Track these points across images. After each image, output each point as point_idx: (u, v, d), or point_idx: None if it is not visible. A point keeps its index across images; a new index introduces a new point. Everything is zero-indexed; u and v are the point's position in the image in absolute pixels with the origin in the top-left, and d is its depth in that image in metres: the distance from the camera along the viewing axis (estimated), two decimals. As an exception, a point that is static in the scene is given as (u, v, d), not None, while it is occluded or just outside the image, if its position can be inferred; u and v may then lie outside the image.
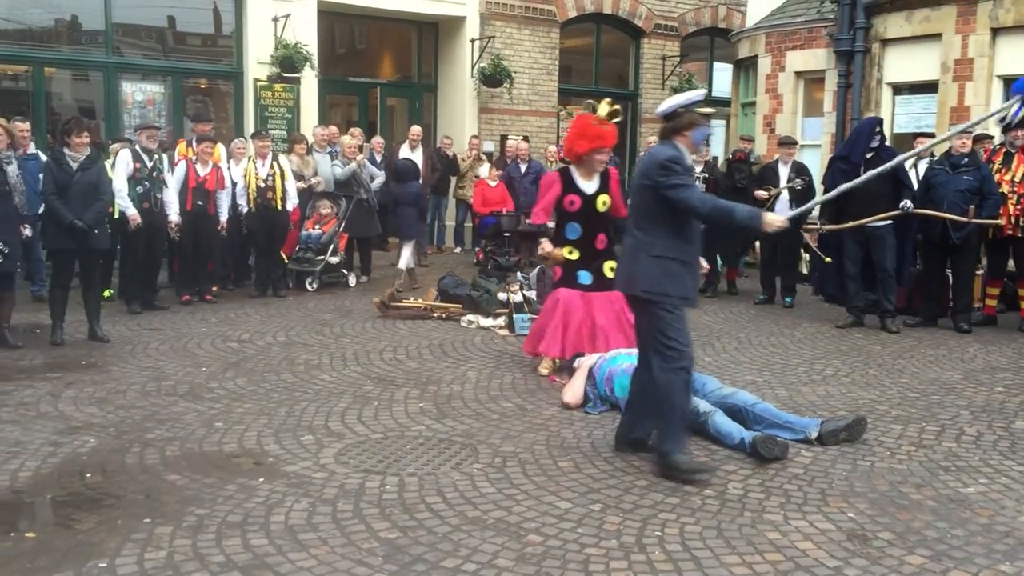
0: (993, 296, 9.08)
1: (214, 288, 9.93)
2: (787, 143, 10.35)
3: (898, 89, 11.93)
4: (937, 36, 11.33)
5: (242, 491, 4.39)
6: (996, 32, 10.83)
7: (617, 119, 6.82)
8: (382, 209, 12.10)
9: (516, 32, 15.66)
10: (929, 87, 11.48)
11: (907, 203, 8.35)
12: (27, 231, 7.63)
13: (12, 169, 7.48)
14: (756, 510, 4.22)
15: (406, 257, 10.98)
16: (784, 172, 10.01)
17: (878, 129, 8.60)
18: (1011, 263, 8.89)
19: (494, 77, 15.00)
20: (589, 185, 6.75)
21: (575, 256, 6.85)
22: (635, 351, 6.07)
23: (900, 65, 11.82)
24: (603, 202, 6.76)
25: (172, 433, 5.28)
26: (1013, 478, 4.68)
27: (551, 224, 7.03)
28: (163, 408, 5.80)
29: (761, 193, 9.76)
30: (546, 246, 6.84)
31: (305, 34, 13.57)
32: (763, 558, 3.75)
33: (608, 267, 6.78)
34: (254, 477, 4.59)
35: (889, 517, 4.16)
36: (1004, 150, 8.89)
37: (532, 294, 9.19)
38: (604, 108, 6.64)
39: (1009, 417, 5.76)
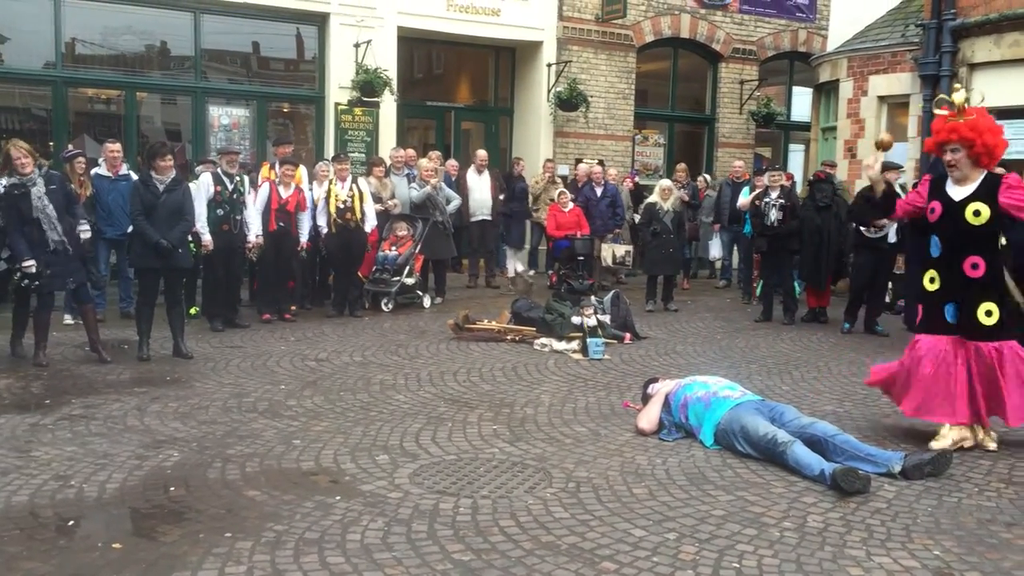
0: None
1: (293, 307, 10.14)
2: (891, 167, 10.10)
3: (986, 114, 11.61)
4: (1028, 60, 11.03)
5: (319, 508, 4.45)
6: (1090, 56, 10.51)
7: (967, 104, 5.51)
8: (457, 231, 12.24)
9: (593, 56, 15.71)
10: (1019, 112, 11.15)
11: None
12: (83, 228, 7.71)
13: (36, 191, 7.32)
14: (837, 544, 4.11)
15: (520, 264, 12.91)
16: None
17: None
18: None
19: (570, 101, 15.04)
20: (959, 191, 5.50)
21: (935, 286, 5.61)
22: (712, 379, 6.02)
23: (988, 90, 11.47)
24: (974, 212, 5.39)
25: (252, 449, 5.39)
26: (1111, 519, 4.48)
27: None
28: (243, 424, 5.92)
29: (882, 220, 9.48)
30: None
31: (385, 59, 13.83)
32: (844, 594, 3.66)
33: (983, 310, 5.41)
34: (331, 495, 4.65)
35: (977, 556, 4.01)
36: None
37: (606, 318, 9.17)
38: (941, 99, 5.71)
39: (1106, 455, 5.52)
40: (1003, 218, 5.40)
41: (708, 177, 15.00)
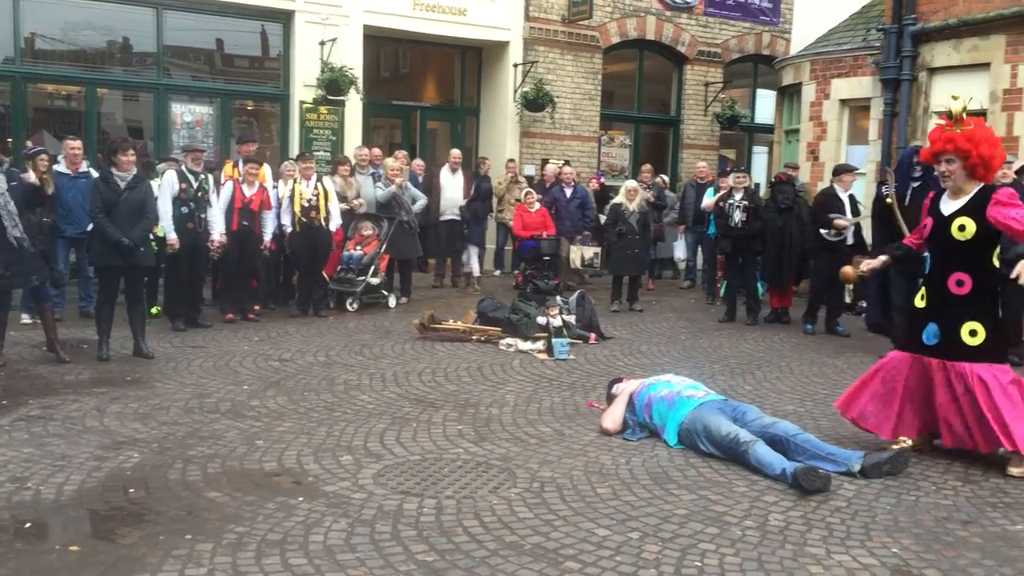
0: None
1: (257, 307, 10.05)
2: (848, 170, 10.24)
3: (946, 118, 11.78)
4: (986, 66, 11.20)
5: (282, 510, 4.42)
6: (1046, 62, 10.70)
7: (964, 114, 5.31)
8: (423, 231, 12.21)
9: (559, 57, 15.74)
10: (977, 116, 11.34)
11: None
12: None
13: None
14: (798, 543, 4.16)
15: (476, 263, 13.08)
16: (845, 199, 9.90)
17: (916, 160, 8.46)
18: None
19: (536, 102, 15.07)
20: (950, 204, 5.31)
21: (923, 303, 5.40)
22: (675, 378, 6.06)
23: (948, 94, 11.63)
24: (959, 227, 5.19)
25: (214, 450, 5.34)
26: (1063, 517, 4.57)
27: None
28: (205, 425, 5.86)
29: (842, 222, 9.60)
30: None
31: (351, 58, 13.76)
32: (805, 592, 3.70)
33: (966, 330, 5.18)
34: (294, 496, 4.62)
35: (935, 554, 4.07)
36: None
37: (571, 318, 9.19)
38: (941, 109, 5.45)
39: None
40: (1000, 234, 5.21)
41: (665, 178, 15.10)
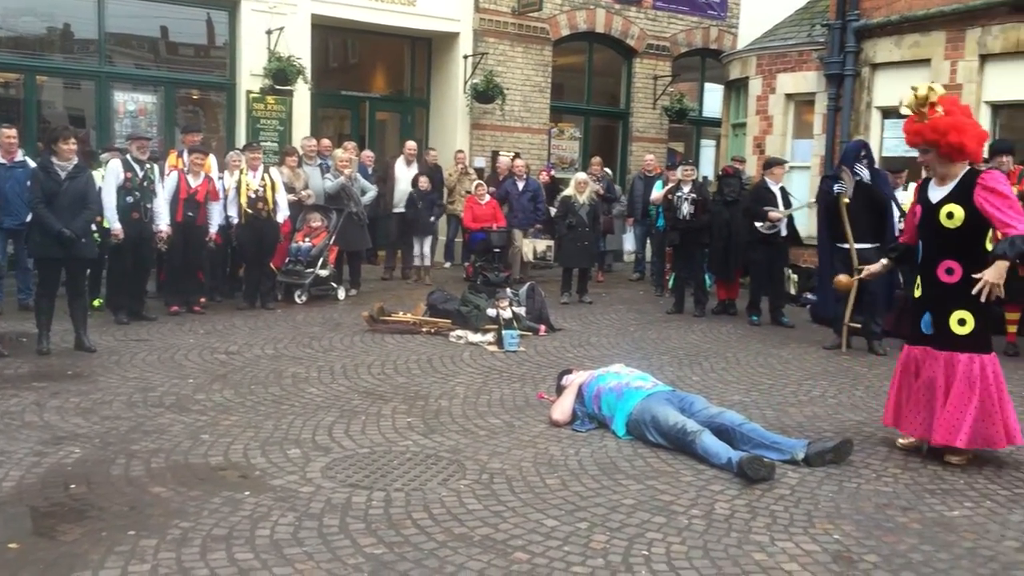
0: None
1: (202, 299, 9.91)
2: (777, 163, 10.40)
3: (887, 113, 12.03)
4: (926, 61, 11.44)
5: (228, 504, 4.37)
6: (984, 59, 10.95)
7: (926, 103, 5.11)
8: (373, 222, 12.14)
9: (509, 49, 15.73)
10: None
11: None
12: None
13: None
14: (742, 531, 4.22)
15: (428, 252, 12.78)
16: (777, 191, 10.05)
17: (863, 153, 8.63)
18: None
19: (486, 93, 15.05)
20: (938, 191, 5.22)
21: (919, 293, 5.35)
22: (624, 369, 6.10)
23: (889, 89, 11.92)
24: (947, 215, 5.11)
25: (158, 445, 5.25)
26: (998, 502, 4.69)
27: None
28: (149, 419, 5.77)
29: (776, 215, 9.74)
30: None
31: (298, 47, 13.61)
32: (749, 579, 3.75)
33: (955, 319, 5.13)
34: (240, 490, 4.56)
35: (875, 540, 4.16)
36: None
37: (521, 310, 9.21)
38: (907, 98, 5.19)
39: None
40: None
41: (607, 170, 15.20)
